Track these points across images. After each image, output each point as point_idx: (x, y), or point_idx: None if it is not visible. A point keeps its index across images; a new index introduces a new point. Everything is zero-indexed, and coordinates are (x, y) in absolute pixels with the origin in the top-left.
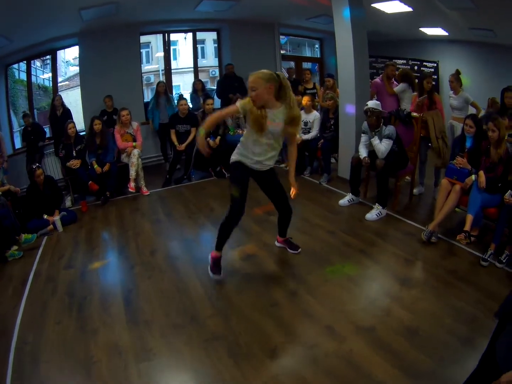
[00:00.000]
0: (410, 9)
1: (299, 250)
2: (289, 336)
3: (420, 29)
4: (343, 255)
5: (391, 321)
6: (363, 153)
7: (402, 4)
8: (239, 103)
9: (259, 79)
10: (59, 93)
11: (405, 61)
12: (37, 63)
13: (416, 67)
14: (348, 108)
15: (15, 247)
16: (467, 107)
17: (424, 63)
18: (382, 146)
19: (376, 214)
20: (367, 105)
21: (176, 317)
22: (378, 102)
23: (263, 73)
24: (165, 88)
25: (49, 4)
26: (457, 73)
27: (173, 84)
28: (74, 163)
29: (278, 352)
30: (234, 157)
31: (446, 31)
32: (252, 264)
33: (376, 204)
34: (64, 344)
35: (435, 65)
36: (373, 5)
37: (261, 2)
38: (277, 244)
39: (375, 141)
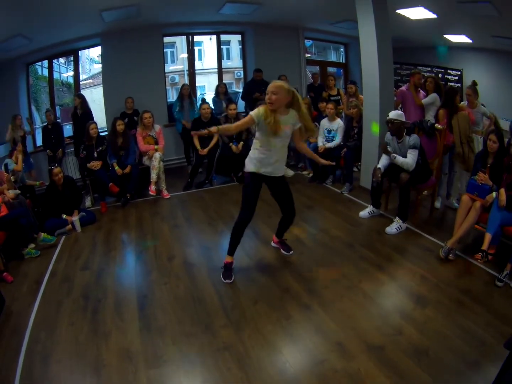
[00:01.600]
0: (434, 16)
1: (291, 252)
2: (299, 351)
3: (444, 36)
4: (360, 269)
5: (402, 340)
6: (381, 163)
7: (426, 11)
8: (253, 113)
9: (282, 87)
10: (82, 91)
11: (429, 69)
12: (61, 60)
13: (440, 75)
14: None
15: (32, 245)
16: (482, 120)
17: (448, 71)
18: (409, 158)
19: (396, 228)
20: (388, 115)
21: (189, 325)
22: (401, 113)
23: (285, 84)
24: (189, 91)
25: (69, 5)
26: (474, 84)
27: (198, 84)
28: (95, 165)
29: (288, 367)
30: (249, 166)
31: (470, 39)
32: (269, 276)
33: (397, 217)
34: (76, 345)
35: (459, 73)
36: (397, 11)
37: (284, 6)
38: (272, 244)
39: (399, 160)
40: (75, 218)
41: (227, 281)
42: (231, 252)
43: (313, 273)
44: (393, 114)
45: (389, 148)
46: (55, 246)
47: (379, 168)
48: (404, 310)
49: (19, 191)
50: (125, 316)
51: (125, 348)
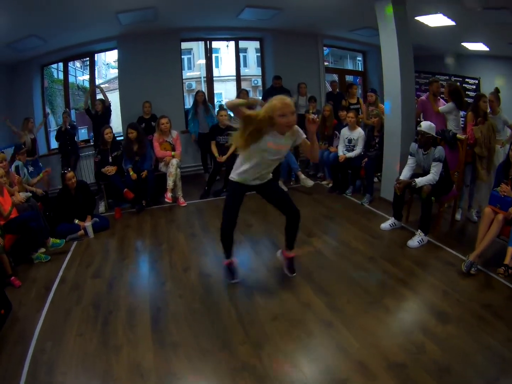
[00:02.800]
0: (453, 23)
1: (294, 275)
2: (320, 370)
3: (462, 43)
4: (382, 284)
5: (424, 358)
6: (403, 175)
7: (445, 18)
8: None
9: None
10: (98, 96)
11: (447, 77)
12: (77, 64)
13: (458, 84)
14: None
15: (42, 250)
16: (504, 129)
17: (466, 80)
18: (431, 174)
19: (418, 241)
20: (420, 126)
21: (206, 341)
22: (433, 126)
23: None
24: (204, 97)
25: (84, 6)
26: (497, 91)
27: (215, 92)
28: (110, 170)
29: None
30: (234, 176)
31: (487, 46)
32: (288, 290)
33: (419, 230)
34: (84, 358)
35: (477, 81)
36: (416, 18)
37: (304, 12)
38: (278, 255)
39: (421, 182)
40: (88, 223)
41: (233, 280)
42: (227, 255)
43: (334, 287)
44: (425, 127)
45: (412, 159)
46: (66, 252)
47: (402, 180)
48: (427, 327)
49: (30, 194)
50: (138, 329)
51: (136, 363)
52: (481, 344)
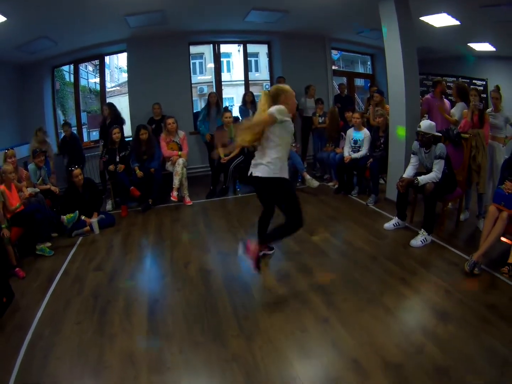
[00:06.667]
0: (458, 23)
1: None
2: (313, 366)
3: (468, 44)
4: (383, 283)
5: (422, 359)
6: (406, 174)
7: (449, 17)
8: (275, 111)
9: None
10: (110, 99)
11: (454, 79)
12: (89, 67)
13: (455, 82)
14: None
15: (48, 244)
16: (505, 126)
17: (473, 81)
18: (433, 172)
19: (421, 241)
20: (419, 126)
21: (199, 333)
22: (433, 125)
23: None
24: (216, 99)
25: (93, 8)
26: (498, 88)
27: (226, 96)
28: (119, 167)
29: (297, 383)
30: (283, 175)
31: (494, 47)
32: (287, 286)
33: (422, 230)
34: (79, 345)
35: (484, 83)
36: (421, 18)
37: (310, 14)
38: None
39: (424, 180)
40: (94, 220)
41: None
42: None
43: (333, 285)
44: (425, 127)
45: (415, 158)
46: (71, 246)
47: (405, 178)
48: (427, 327)
49: (38, 190)
50: (133, 319)
51: (129, 351)
52: (483, 346)
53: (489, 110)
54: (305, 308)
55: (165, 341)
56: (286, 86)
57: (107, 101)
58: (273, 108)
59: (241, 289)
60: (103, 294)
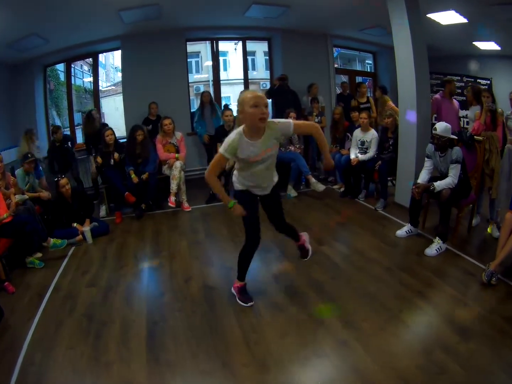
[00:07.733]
0: (465, 20)
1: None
2: None
3: (473, 43)
4: (400, 297)
5: (444, 380)
6: (421, 179)
7: (457, 15)
8: (222, 147)
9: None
10: (105, 99)
11: (459, 78)
12: (85, 67)
13: (470, 84)
14: (409, 116)
15: (39, 255)
16: None
17: (478, 80)
18: (449, 177)
19: (436, 250)
20: (435, 129)
21: (205, 361)
22: (449, 127)
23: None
24: (209, 97)
25: (85, 2)
26: None
27: (223, 95)
28: (116, 157)
29: None
30: (239, 185)
31: (499, 45)
32: (300, 304)
33: (437, 238)
34: (73, 372)
35: (489, 82)
36: (428, 15)
37: (312, 9)
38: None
39: (440, 186)
40: (86, 228)
41: (249, 304)
42: (241, 277)
43: (349, 301)
44: (441, 130)
45: (429, 162)
46: (63, 257)
47: (418, 184)
48: (447, 343)
49: (27, 197)
50: (132, 345)
51: (128, 381)
52: (504, 361)
53: (508, 113)
54: (320, 328)
55: (167, 370)
56: (244, 93)
57: (100, 101)
58: (225, 142)
59: (249, 309)
60: (97, 314)
